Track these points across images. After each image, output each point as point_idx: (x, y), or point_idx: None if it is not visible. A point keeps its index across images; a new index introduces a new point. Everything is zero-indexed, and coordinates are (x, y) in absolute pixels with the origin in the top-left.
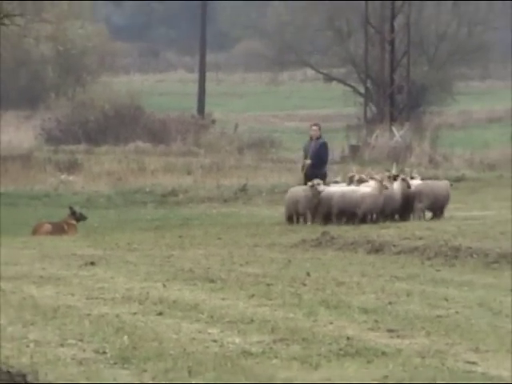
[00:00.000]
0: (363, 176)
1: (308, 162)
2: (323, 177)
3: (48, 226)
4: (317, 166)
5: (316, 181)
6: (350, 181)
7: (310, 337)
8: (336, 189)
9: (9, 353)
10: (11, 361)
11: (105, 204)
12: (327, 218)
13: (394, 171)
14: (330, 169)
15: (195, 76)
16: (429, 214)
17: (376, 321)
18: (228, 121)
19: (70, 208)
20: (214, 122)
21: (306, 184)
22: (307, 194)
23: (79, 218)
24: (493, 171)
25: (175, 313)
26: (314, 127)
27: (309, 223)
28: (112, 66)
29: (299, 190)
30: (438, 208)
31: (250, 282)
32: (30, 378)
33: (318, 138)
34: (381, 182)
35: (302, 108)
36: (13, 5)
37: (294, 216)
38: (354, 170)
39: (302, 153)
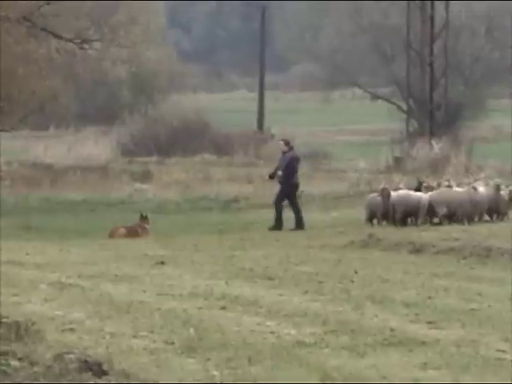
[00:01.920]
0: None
1: (279, 173)
2: (296, 186)
3: (123, 230)
4: (287, 176)
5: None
6: (383, 193)
7: (357, 328)
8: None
9: (87, 344)
10: (89, 351)
11: (174, 210)
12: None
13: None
14: (376, 178)
15: (255, 95)
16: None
17: (416, 314)
18: (284, 135)
19: (141, 214)
20: (273, 136)
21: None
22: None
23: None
24: None
25: (237, 307)
26: (281, 142)
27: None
28: (180, 86)
29: (462, 192)
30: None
31: (304, 279)
32: (105, 367)
33: (286, 152)
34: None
35: (351, 123)
36: (91, 30)
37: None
38: (383, 183)
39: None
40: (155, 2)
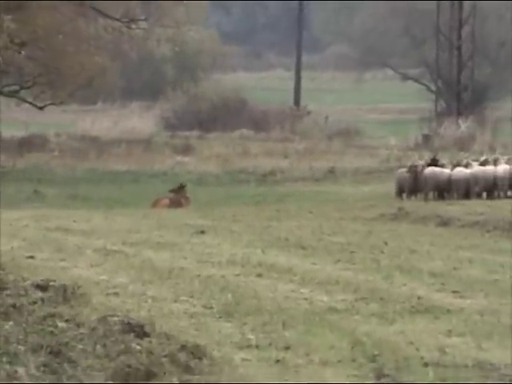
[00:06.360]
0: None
1: None
2: None
3: (166, 201)
4: None
5: None
6: (411, 169)
7: (386, 296)
8: None
9: (130, 307)
10: (132, 314)
11: (214, 182)
12: None
13: None
14: (405, 154)
15: (292, 74)
16: None
17: (442, 283)
18: (319, 112)
19: (180, 184)
20: (309, 112)
21: None
22: None
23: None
24: None
25: (272, 275)
26: None
27: None
28: (221, 65)
29: None
30: None
31: (336, 249)
32: (147, 329)
33: None
34: None
35: (382, 102)
36: (138, 10)
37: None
38: (411, 160)
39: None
40: None
